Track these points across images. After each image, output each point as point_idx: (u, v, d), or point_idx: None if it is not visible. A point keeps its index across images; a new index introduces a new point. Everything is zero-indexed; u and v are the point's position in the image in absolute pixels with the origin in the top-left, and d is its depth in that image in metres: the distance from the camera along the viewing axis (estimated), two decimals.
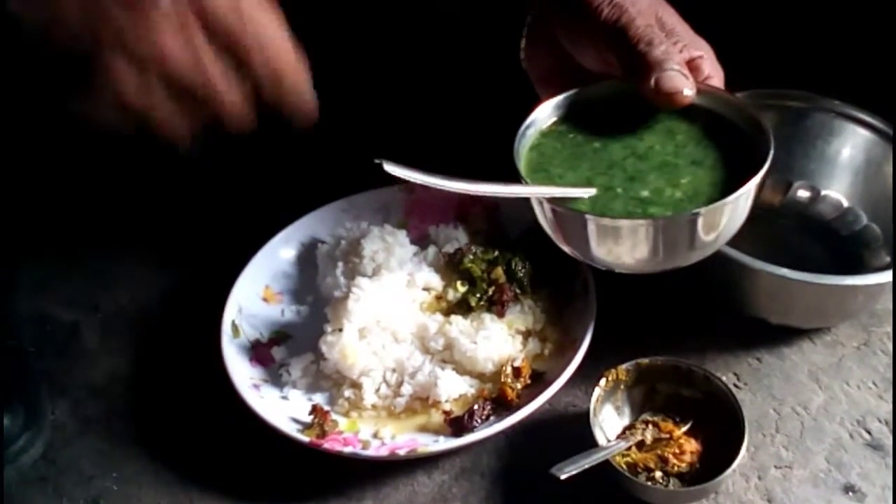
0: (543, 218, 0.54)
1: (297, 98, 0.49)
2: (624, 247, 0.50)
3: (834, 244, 0.72)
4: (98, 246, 0.78)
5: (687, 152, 0.52)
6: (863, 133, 0.72)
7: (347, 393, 0.64)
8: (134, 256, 0.77)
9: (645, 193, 0.50)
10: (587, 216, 0.49)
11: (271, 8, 0.47)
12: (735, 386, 0.63)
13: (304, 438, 0.59)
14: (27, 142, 0.76)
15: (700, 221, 0.48)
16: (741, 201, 0.49)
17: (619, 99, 0.55)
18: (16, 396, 0.63)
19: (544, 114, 0.56)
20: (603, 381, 0.60)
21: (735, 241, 0.62)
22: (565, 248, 0.54)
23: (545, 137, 0.55)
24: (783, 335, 0.66)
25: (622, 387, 0.61)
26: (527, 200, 0.54)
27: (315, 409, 0.62)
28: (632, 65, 0.51)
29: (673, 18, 0.54)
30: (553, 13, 0.56)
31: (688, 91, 0.51)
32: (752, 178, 0.48)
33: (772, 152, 0.49)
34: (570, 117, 0.56)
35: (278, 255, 0.73)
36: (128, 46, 0.42)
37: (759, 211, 0.74)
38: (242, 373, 0.65)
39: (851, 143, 0.73)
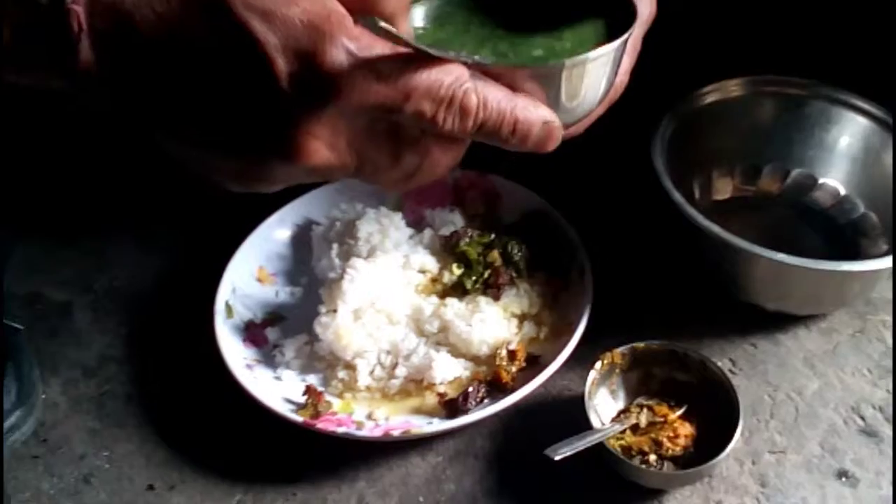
0: None
1: (530, 130, 0.40)
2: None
3: (831, 232, 0.72)
4: (92, 226, 0.77)
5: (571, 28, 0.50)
6: (861, 121, 0.72)
7: (341, 374, 0.64)
8: (128, 236, 0.76)
9: (538, 52, 0.47)
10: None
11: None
12: (731, 371, 0.63)
13: (298, 418, 0.59)
14: (23, 121, 0.75)
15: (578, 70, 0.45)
16: (605, 60, 0.46)
17: None
18: (8, 374, 0.63)
19: None
20: (598, 365, 0.60)
21: (733, 227, 0.63)
22: None
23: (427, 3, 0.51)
24: (779, 321, 0.66)
25: (617, 370, 0.61)
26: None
27: (309, 390, 0.62)
28: None
29: None
30: None
31: None
32: (620, 37, 0.46)
33: (637, 20, 0.47)
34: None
35: (273, 236, 0.73)
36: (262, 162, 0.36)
37: (756, 198, 0.75)
38: (236, 353, 0.64)
39: (850, 132, 0.73)
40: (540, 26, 0.50)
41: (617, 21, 0.49)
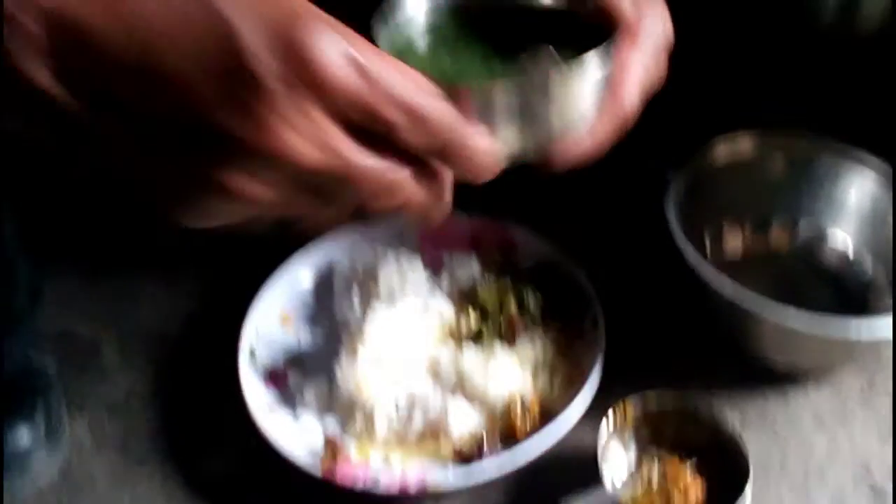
0: None
1: (472, 157, 0.39)
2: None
3: (839, 286, 0.73)
4: (122, 265, 0.79)
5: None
6: (870, 177, 0.73)
7: (359, 419, 0.65)
8: (157, 276, 0.79)
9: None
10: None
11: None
12: (740, 425, 0.64)
13: (317, 472, 0.61)
14: (55, 158, 0.77)
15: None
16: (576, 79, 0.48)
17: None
18: (37, 410, 0.65)
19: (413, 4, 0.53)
20: (610, 416, 0.61)
21: (743, 280, 0.64)
22: None
23: (409, 24, 0.53)
24: (789, 377, 0.68)
25: (629, 422, 0.62)
26: None
27: (328, 443, 0.63)
28: None
29: None
30: None
31: (626, 6, 0.49)
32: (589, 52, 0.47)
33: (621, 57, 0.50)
34: (442, 14, 0.54)
35: (295, 278, 0.75)
36: (247, 162, 0.33)
37: (766, 251, 0.77)
38: (258, 395, 0.66)
39: (858, 187, 0.74)
40: (524, 46, 0.50)
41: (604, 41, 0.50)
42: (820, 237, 0.75)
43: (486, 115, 0.47)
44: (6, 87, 0.31)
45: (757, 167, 0.76)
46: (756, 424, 0.65)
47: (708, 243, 0.75)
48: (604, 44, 0.47)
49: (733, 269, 0.72)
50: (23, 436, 0.63)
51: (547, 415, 0.64)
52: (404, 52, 0.51)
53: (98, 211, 0.82)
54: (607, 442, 0.61)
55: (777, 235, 0.76)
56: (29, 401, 0.65)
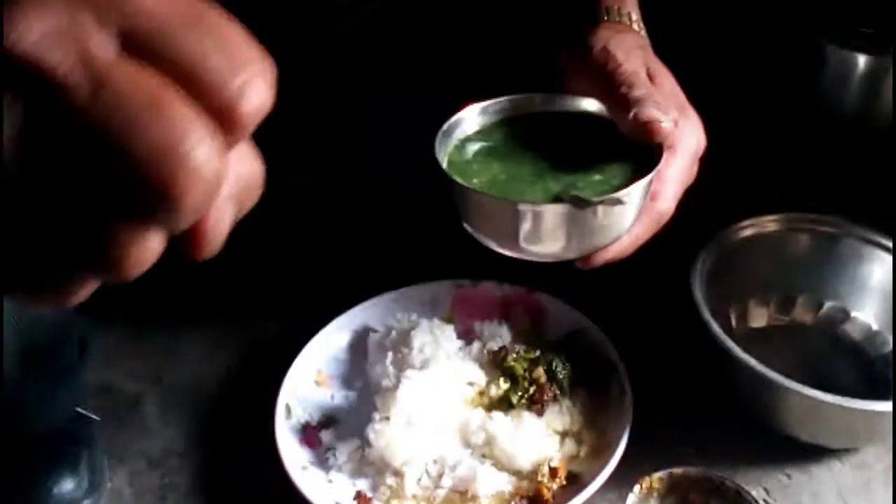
0: (472, 212, 0.56)
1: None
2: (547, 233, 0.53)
3: (863, 365, 0.75)
4: (164, 322, 0.83)
5: (598, 165, 0.56)
6: (890, 260, 0.76)
7: (390, 481, 0.67)
8: (197, 334, 0.82)
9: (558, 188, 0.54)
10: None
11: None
12: (765, 501, 0.65)
13: None
14: None
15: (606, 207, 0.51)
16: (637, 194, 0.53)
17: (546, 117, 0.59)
18: (81, 462, 0.67)
19: (469, 118, 0.59)
20: (637, 489, 0.62)
21: (767, 357, 0.66)
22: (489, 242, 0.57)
23: (467, 142, 0.59)
24: (813, 453, 0.68)
25: (655, 494, 0.63)
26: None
27: (359, 496, 0.65)
28: (614, 103, 0.55)
29: (664, 77, 0.58)
30: (563, 63, 0.61)
31: (666, 123, 0.53)
32: (647, 174, 0.52)
33: (660, 165, 0.53)
34: (494, 125, 0.60)
35: (332, 340, 0.78)
36: None
37: (791, 328, 0.78)
38: (293, 454, 0.68)
39: (880, 269, 0.76)
40: (575, 163, 0.56)
41: (647, 157, 0.55)
42: (843, 316, 0.77)
43: (532, 229, 0.51)
44: None
45: (782, 246, 0.78)
46: (780, 500, 0.66)
47: (733, 318, 0.77)
48: (648, 176, 0.52)
49: (758, 344, 0.75)
50: (68, 484, 0.65)
51: (574, 481, 0.65)
52: (461, 166, 0.56)
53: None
54: None
55: (801, 312, 0.78)
56: (74, 451, 0.67)
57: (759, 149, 0.94)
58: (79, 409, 0.69)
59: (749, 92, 1.06)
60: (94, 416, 0.70)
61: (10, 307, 0.54)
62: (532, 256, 0.56)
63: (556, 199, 0.52)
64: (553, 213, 0.52)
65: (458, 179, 0.54)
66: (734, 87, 1.04)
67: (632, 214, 0.55)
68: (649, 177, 0.53)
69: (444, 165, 0.56)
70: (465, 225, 0.57)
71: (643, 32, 0.63)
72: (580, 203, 0.51)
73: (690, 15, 1.00)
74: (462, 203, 0.56)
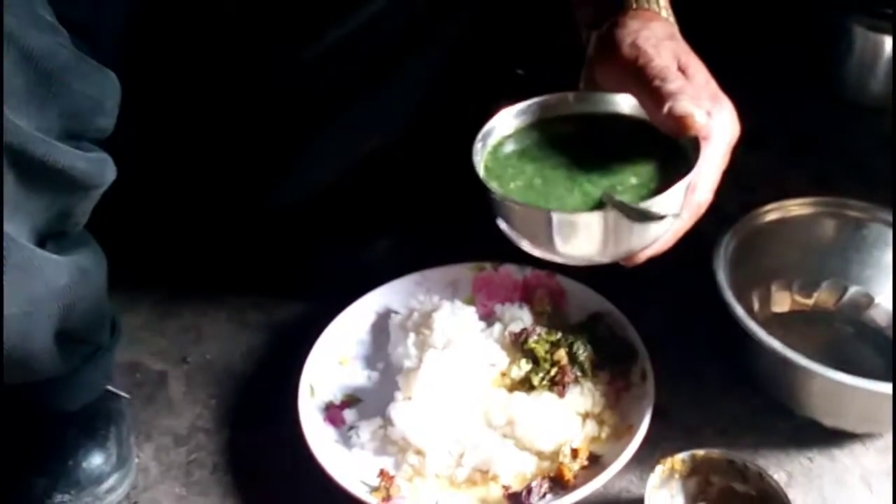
0: (509, 217, 0.56)
1: None
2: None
3: (887, 350, 0.74)
4: (189, 300, 0.84)
5: (632, 166, 0.55)
6: None
7: (412, 459, 0.68)
8: (223, 313, 0.83)
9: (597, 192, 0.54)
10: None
11: None
12: (787, 485, 0.65)
13: (374, 500, 0.63)
14: (134, 200, 0.82)
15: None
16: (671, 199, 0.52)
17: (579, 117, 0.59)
18: (110, 438, 0.68)
19: (503, 122, 0.59)
20: (658, 469, 0.62)
21: (790, 341, 0.66)
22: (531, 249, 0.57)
23: (502, 146, 0.59)
24: (836, 437, 0.68)
25: (677, 476, 0.63)
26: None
27: (382, 474, 0.66)
28: (647, 98, 0.54)
29: (696, 67, 0.57)
30: (593, 56, 0.60)
31: (700, 116, 0.52)
32: (683, 178, 0.52)
33: (699, 161, 0.53)
34: (528, 128, 0.59)
35: (355, 321, 0.78)
36: None
37: (814, 312, 0.78)
38: (316, 432, 0.69)
39: None
40: (609, 163, 0.55)
41: (680, 151, 0.54)
42: (867, 301, 0.77)
43: (572, 236, 0.52)
44: None
45: (806, 230, 0.78)
46: (803, 483, 0.66)
47: (756, 302, 0.77)
48: (688, 177, 0.52)
49: (781, 328, 0.74)
50: (96, 459, 0.66)
51: (595, 462, 0.66)
52: (496, 171, 0.57)
53: (167, 246, 0.86)
54: (654, 493, 0.62)
55: (825, 297, 0.78)
56: (103, 428, 0.68)
57: (785, 132, 0.93)
58: (109, 388, 0.70)
59: (775, 74, 1.05)
60: (124, 395, 0.71)
61: (46, 287, 0.56)
62: (567, 260, 0.56)
63: (597, 205, 0.52)
64: (594, 222, 0.52)
65: (496, 188, 0.54)
66: (760, 70, 1.03)
67: (667, 222, 0.54)
68: (689, 177, 0.52)
69: (482, 174, 0.56)
70: (499, 223, 0.57)
71: (672, 19, 0.62)
72: (628, 211, 0.50)
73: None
74: (498, 208, 0.56)
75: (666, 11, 0.62)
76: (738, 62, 0.87)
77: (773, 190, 0.79)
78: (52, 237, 0.58)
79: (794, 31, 1.06)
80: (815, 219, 0.78)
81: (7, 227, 0.51)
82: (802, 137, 0.94)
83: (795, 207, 0.78)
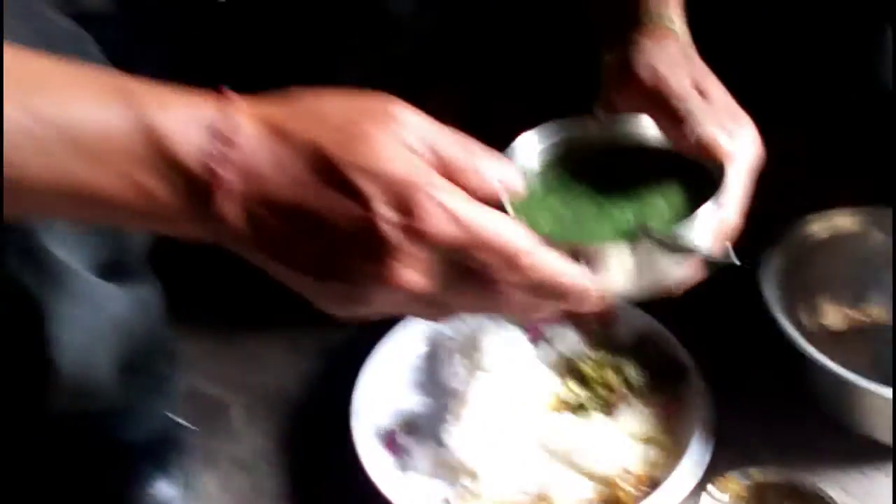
0: None
1: (566, 295, 0.43)
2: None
3: None
4: (247, 329, 0.86)
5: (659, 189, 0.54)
6: None
7: (466, 483, 0.69)
8: (282, 342, 0.85)
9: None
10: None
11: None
12: (843, 502, 0.65)
13: None
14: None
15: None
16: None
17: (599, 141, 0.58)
18: (175, 466, 0.71)
19: (524, 152, 0.57)
20: (714, 490, 0.63)
21: (841, 356, 0.66)
22: None
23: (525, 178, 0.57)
24: (890, 451, 0.68)
25: (733, 496, 0.64)
26: None
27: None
28: (667, 122, 0.54)
29: (713, 86, 0.56)
30: (606, 78, 0.60)
31: (723, 140, 0.52)
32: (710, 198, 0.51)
33: (724, 182, 0.52)
34: (550, 157, 0.57)
35: (406, 345, 0.80)
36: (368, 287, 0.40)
37: (864, 327, 0.77)
38: (372, 456, 0.71)
39: None
40: (632, 188, 0.54)
41: (706, 177, 0.54)
42: None
43: (598, 267, 0.50)
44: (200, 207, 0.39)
45: (855, 242, 0.77)
46: (860, 499, 0.66)
47: (805, 317, 0.77)
48: (708, 202, 0.50)
49: (831, 343, 0.74)
50: (164, 488, 0.69)
51: (651, 485, 0.66)
52: (523, 210, 0.56)
53: (225, 277, 0.89)
54: None
55: (876, 311, 0.77)
56: (168, 457, 0.71)
57: (828, 141, 0.92)
58: (172, 417, 0.73)
59: (814, 81, 1.03)
60: (188, 425, 0.74)
61: (108, 319, 0.58)
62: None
63: (629, 234, 0.51)
64: (625, 252, 0.50)
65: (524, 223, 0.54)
66: (799, 76, 1.02)
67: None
68: (716, 200, 0.52)
69: (511, 213, 0.56)
70: None
71: (686, 37, 0.61)
72: (661, 240, 0.49)
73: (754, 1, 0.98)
74: None
75: (680, 28, 0.61)
76: (775, 66, 0.87)
77: (816, 201, 0.78)
78: (113, 269, 0.60)
79: (833, 34, 1.05)
80: (863, 230, 0.77)
81: (71, 260, 0.53)
82: (844, 145, 0.93)
83: (841, 218, 0.77)
